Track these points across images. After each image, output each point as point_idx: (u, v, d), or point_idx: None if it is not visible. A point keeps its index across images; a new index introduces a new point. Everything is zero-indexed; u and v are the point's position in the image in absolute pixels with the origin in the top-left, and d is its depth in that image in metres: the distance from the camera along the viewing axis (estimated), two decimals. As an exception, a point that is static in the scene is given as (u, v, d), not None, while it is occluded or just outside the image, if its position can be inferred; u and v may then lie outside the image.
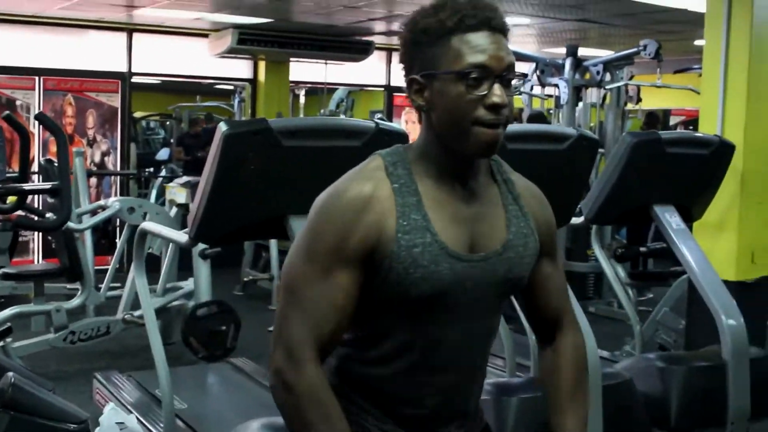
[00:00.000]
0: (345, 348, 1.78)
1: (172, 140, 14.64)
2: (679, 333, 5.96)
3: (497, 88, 1.63)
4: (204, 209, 3.36)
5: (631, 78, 8.72)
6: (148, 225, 4.16)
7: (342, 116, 13.72)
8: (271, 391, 1.69)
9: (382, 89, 11.90)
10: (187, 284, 6.35)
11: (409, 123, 11.62)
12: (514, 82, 1.67)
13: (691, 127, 12.84)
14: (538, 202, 1.86)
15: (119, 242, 6.69)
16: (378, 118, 10.06)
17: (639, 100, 9.22)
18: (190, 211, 3.53)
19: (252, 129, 3.34)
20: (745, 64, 5.40)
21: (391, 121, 11.69)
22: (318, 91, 12.13)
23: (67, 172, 5.27)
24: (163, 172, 12.24)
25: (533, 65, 8.73)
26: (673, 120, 14.49)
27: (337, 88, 13.35)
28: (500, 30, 1.67)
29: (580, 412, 1.88)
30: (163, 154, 13.94)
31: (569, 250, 8.28)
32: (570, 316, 1.96)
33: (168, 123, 16.37)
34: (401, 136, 3.68)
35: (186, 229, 3.62)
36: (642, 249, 6.64)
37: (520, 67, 10.85)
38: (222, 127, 3.26)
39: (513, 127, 4.57)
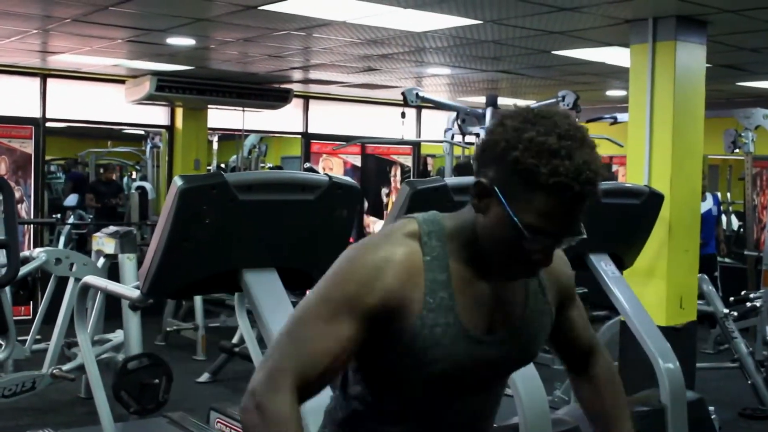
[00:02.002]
0: (356, 402, 1.78)
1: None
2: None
3: (551, 253, 1.62)
4: (158, 264, 3.30)
5: (547, 127, 8.92)
6: (91, 279, 4.07)
7: (252, 162, 13.72)
8: (241, 411, 1.61)
9: (300, 136, 11.91)
10: (116, 336, 6.20)
11: (326, 170, 11.64)
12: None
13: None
14: (557, 263, 1.80)
15: (46, 294, 6.48)
16: (307, 168, 10.06)
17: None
18: (142, 265, 3.46)
19: (208, 183, 3.32)
20: (670, 118, 5.62)
21: (307, 167, 11.70)
22: (234, 137, 12.09)
23: (15, 225, 5.13)
24: (71, 219, 11.96)
25: (454, 114, 8.89)
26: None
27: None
28: (588, 202, 1.57)
29: (629, 424, 1.99)
30: (71, 200, 13.62)
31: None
32: (595, 341, 2.02)
33: (74, 168, 15.98)
34: (353, 190, 3.71)
35: (135, 284, 3.56)
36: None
37: (438, 115, 11.09)
38: (177, 181, 3.23)
39: (452, 180, 4.65)
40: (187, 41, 7.33)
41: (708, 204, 9.33)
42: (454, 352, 1.66)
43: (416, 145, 12.56)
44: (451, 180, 4.09)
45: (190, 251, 3.32)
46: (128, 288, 3.75)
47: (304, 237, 3.57)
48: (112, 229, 6.46)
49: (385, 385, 1.74)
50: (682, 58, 5.65)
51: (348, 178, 3.85)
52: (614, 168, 12.81)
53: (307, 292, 1.73)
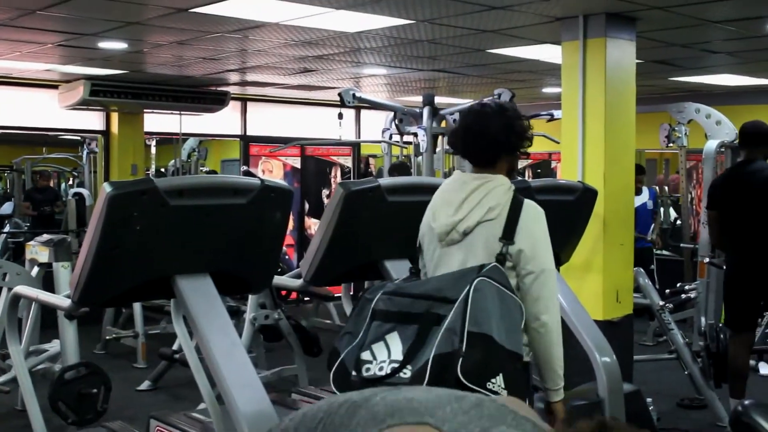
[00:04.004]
0: None
1: (13, 194, 14.03)
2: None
3: None
4: (88, 272, 3.25)
5: (485, 125, 8.98)
6: (22, 289, 4.00)
7: (192, 166, 13.58)
8: None
9: (238, 139, 11.82)
10: (52, 346, 6.09)
11: (265, 172, 11.58)
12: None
13: (539, 170, 13.35)
14: None
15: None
16: (244, 172, 9.98)
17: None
18: (73, 273, 3.41)
19: (138, 189, 3.27)
20: (602, 114, 5.69)
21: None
22: (173, 141, 11.96)
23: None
24: (7, 227, 11.74)
25: (391, 114, 8.89)
26: (521, 164, 15.02)
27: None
28: None
29: None
30: (6, 208, 13.37)
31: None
32: None
33: (7, 174, 15.71)
34: (286, 192, 3.68)
35: (66, 293, 3.50)
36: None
37: (379, 115, 11.08)
38: (106, 187, 3.18)
39: (390, 180, 4.66)
40: (120, 45, 7.24)
41: (644, 197, 9.47)
42: None
43: (356, 146, 12.54)
44: (384, 181, 4.09)
45: (120, 258, 3.28)
46: (59, 297, 3.70)
47: (238, 241, 3.53)
48: (45, 237, 6.36)
49: None
50: (613, 55, 5.73)
51: (281, 181, 3.84)
52: (553, 165, 12.93)
53: None
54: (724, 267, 5.98)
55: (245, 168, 10.56)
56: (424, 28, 6.33)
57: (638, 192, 9.44)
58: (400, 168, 8.40)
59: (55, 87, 9.87)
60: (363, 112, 12.55)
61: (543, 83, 9.87)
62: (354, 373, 2.72)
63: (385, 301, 2.82)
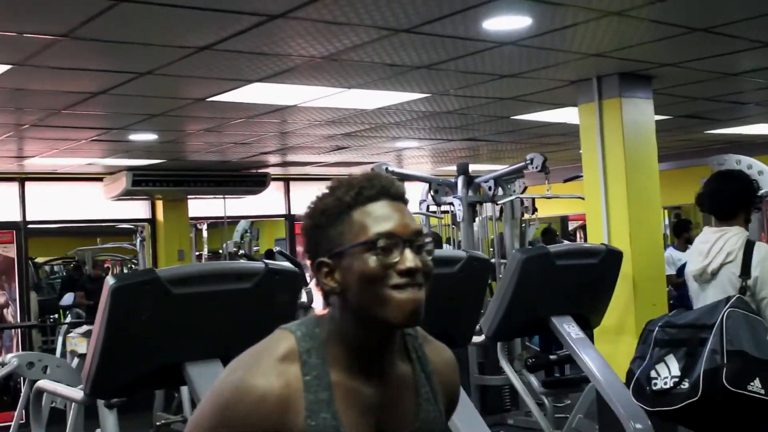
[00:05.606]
0: None
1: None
2: (596, 438, 6.00)
3: (408, 253, 1.57)
4: (97, 364, 3.31)
5: (524, 190, 8.96)
6: (43, 383, 4.07)
7: (245, 246, 13.74)
8: None
9: (283, 218, 11.96)
10: (95, 436, 6.13)
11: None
12: (428, 246, 1.63)
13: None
14: (448, 371, 1.80)
15: (21, 399, 6.43)
16: (278, 252, 10.05)
17: (534, 210, 9.45)
18: (84, 365, 3.46)
19: (140, 280, 3.34)
20: (623, 175, 5.64)
21: (294, 248, 11.73)
22: (218, 225, 12.13)
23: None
24: (68, 318, 11.94)
25: (426, 186, 8.94)
26: (571, 225, 14.90)
27: (239, 221, 13.33)
28: (400, 198, 1.64)
29: None
30: (67, 299, 13.60)
31: (481, 365, 8.30)
32: None
33: (69, 266, 16.05)
34: (292, 275, 3.71)
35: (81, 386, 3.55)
36: (552, 357, 6.70)
37: (410, 186, 11.13)
38: (109, 280, 3.26)
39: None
40: (150, 136, 7.43)
41: (689, 254, 9.26)
42: None
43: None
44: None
45: (128, 348, 3.33)
46: (74, 390, 3.74)
47: (245, 325, 3.54)
48: (85, 328, 6.45)
49: None
50: (629, 114, 5.70)
51: (286, 264, 3.86)
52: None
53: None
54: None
55: (277, 248, 10.58)
56: (441, 99, 6.38)
57: (684, 249, 9.27)
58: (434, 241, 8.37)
59: (100, 180, 10.13)
60: (407, 184, 12.59)
61: (576, 145, 9.82)
62: (647, 388, 3.63)
63: (659, 332, 3.74)
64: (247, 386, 1.56)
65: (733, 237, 3.85)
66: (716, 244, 3.87)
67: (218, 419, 1.58)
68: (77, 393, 3.61)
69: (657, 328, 3.79)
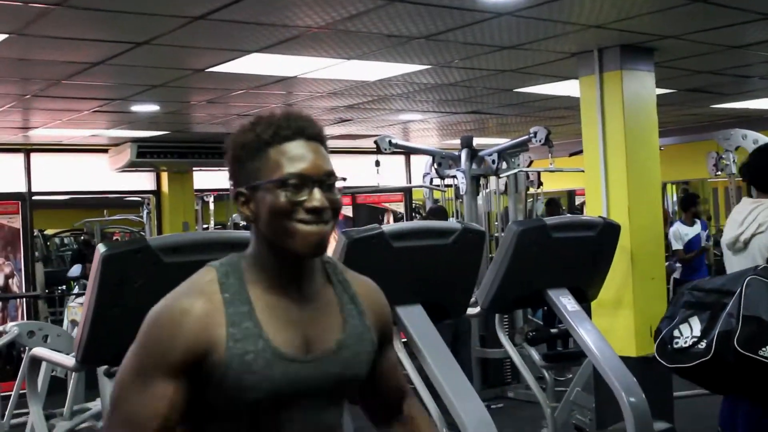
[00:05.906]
0: None
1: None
2: (593, 411, 6.00)
3: (317, 193, 1.72)
4: (89, 331, 3.32)
5: (530, 164, 8.94)
6: (37, 350, 4.09)
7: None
8: None
9: (290, 190, 11.93)
10: (95, 405, 6.18)
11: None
12: (337, 184, 1.79)
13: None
14: (374, 296, 1.94)
15: (21, 367, 6.48)
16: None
17: (540, 184, 9.42)
18: (76, 333, 3.48)
19: (131, 248, 3.34)
20: (622, 147, 5.62)
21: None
22: (224, 197, 12.13)
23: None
24: (76, 290, 11.99)
25: (430, 159, 8.92)
26: (578, 199, 14.86)
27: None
28: (316, 138, 1.78)
29: None
30: (74, 270, 13.65)
31: (483, 337, 8.32)
32: (407, 388, 2.09)
33: (80, 238, 16.12)
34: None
35: (74, 353, 3.56)
36: (553, 330, 6.69)
37: (419, 159, 11.09)
38: (100, 248, 3.27)
39: (397, 226, 4.70)
40: (152, 107, 7.42)
41: (696, 229, 9.25)
42: (270, 375, 1.70)
43: (408, 191, 12.57)
44: (387, 227, 4.12)
45: (120, 316, 3.33)
46: (66, 357, 3.76)
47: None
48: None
49: (216, 423, 1.75)
50: (630, 87, 5.66)
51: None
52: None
53: (120, 366, 1.77)
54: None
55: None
56: (442, 71, 6.35)
57: (691, 223, 9.26)
58: (438, 212, 8.37)
59: (105, 151, 10.15)
60: (413, 157, 12.57)
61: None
62: (669, 346, 3.68)
63: (687, 294, 3.77)
64: (172, 305, 1.71)
65: (767, 209, 3.93)
66: (751, 215, 3.96)
67: (148, 336, 1.72)
68: (69, 360, 3.63)
69: (686, 291, 3.87)
